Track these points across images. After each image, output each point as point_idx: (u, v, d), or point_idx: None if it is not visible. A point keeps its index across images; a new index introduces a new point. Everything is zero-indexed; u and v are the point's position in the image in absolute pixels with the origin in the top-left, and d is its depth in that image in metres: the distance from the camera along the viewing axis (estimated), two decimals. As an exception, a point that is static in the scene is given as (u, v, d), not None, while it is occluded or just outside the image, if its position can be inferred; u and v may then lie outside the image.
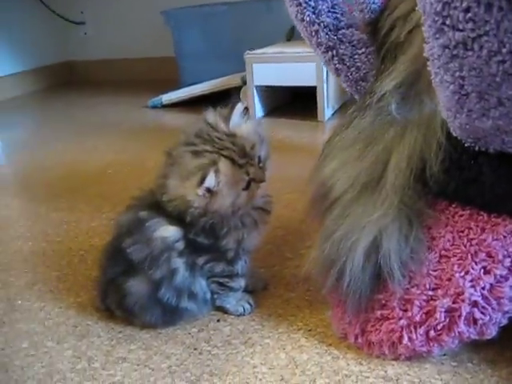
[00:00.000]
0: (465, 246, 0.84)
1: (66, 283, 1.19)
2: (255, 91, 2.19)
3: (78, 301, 1.12)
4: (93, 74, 3.59)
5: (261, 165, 0.94)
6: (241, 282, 1.02)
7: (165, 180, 0.94)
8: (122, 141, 2.19)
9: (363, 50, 1.01)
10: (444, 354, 0.87)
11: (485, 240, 0.82)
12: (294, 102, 2.48)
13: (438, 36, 0.67)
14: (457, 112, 0.75)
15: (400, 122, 0.90)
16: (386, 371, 0.85)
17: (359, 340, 0.89)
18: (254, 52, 2.14)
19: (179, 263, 0.95)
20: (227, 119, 0.92)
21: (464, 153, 0.85)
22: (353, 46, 1.01)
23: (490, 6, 0.62)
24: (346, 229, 0.89)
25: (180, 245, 0.95)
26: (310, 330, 0.96)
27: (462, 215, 0.87)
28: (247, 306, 1.03)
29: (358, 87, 1.03)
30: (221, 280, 0.99)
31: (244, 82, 2.22)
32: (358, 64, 1.02)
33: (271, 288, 1.10)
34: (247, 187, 0.92)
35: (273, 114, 2.32)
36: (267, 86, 2.19)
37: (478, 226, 0.85)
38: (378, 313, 0.87)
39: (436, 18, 0.66)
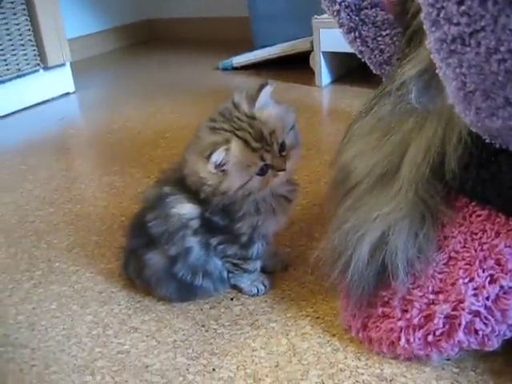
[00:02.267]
0: (475, 250, 0.79)
1: (101, 249, 1.23)
2: (322, 57, 2.12)
3: (108, 267, 1.16)
4: (171, 33, 3.59)
5: (283, 153, 0.90)
6: (256, 265, 1.01)
7: (185, 154, 0.95)
8: (186, 104, 2.20)
9: (388, 31, 0.94)
10: (448, 359, 0.83)
11: (497, 246, 0.77)
12: (363, 70, 2.39)
13: (433, 29, 0.62)
14: (465, 109, 0.69)
15: (420, 112, 0.84)
16: (382, 370, 0.83)
17: (360, 335, 0.87)
18: (321, 17, 2.06)
19: (193, 242, 0.96)
20: (252, 100, 0.90)
21: (484, 149, 0.78)
22: (376, 27, 0.95)
23: (484, 0, 0.56)
24: (356, 221, 0.86)
25: (195, 223, 0.95)
26: (317, 318, 0.95)
27: (479, 215, 0.82)
28: (261, 287, 1.02)
29: (383, 70, 0.97)
30: (234, 261, 0.99)
31: (312, 48, 2.15)
32: (382, 46, 0.95)
33: (291, 269, 1.09)
34: (262, 173, 0.89)
35: (340, 81, 2.24)
36: (335, 52, 2.12)
37: (493, 229, 0.79)
38: (380, 310, 0.84)
39: (430, 10, 0.61)
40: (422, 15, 0.63)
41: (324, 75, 2.17)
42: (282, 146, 0.90)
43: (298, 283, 1.05)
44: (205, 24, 3.42)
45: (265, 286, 1.02)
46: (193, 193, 0.94)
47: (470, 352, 0.81)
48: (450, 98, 0.70)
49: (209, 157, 0.85)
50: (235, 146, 0.87)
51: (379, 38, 0.96)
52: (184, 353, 0.90)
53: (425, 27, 0.64)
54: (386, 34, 0.95)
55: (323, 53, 2.11)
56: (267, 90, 0.90)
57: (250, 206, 0.93)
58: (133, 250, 1.04)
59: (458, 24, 0.60)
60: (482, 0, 0.56)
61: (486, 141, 0.76)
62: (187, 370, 0.87)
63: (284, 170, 0.90)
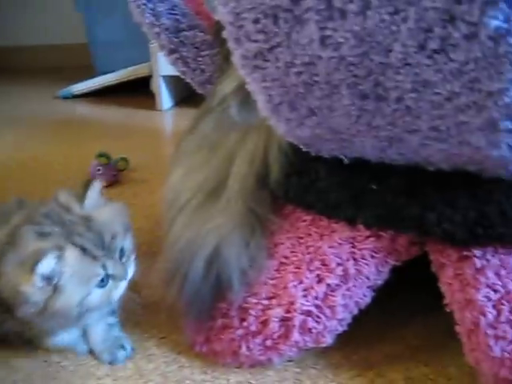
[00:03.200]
0: (302, 254, 0.83)
1: None
2: (162, 81, 2.15)
3: None
4: (6, 62, 3.44)
5: (123, 259, 0.81)
6: None
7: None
8: (28, 136, 2.12)
9: (207, 51, 0.99)
10: (290, 361, 0.86)
11: (321, 247, 0.82)
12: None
13: (236, 46, 0.65)
14: (276, 120, 0.74)
15: (242, 126, 0.88)
16: (228, 380, 0.84)
17: (204, 349, 0.88)
18: (159, 41, 2.08)
19: None
20: (82, 199, 0.79)
21: (302, 158, 0.84)
22: (196, 48, 0.99)
23: (276, 18, 0.60)
24: (190, 237, 0.87)
25: None
26: (162, 338, 0.95)
27: (304, 220, 0.86)
28: None
29: (205, 89, 1.01)
30: None
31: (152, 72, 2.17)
32: (203, 66, 0.99)
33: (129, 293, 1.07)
34: (103, 285, 0.78)
35: (182, 105, 2.28)
36: (174, 76, 2.14)
37: (317, 232, 0.84)
38: (220, 322, 0.85)
39: (231, 29, 0.64)
40: (225, 33, 0.66)
41: (165, 99, 2.19)
42: (122, 251, 0.80)
43: (141, 306, 1.03)
44: (42, 52, 3.31)
45: None
46: None
47: (309, 351, 0.85)
48: (262, 111, 0.73)
49: (34, 267, 0.71)
50: (71, 254, 0.74)
51: (199, 59, 0.99)
52: (27, 391, 0.87)
53: (229, 44, 0.67)
54: (206, 55, 0.99)
55: (163, 77, 2.13)
56: (96, 187, 0.80)
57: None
58: None
59: (256, 41, 0.63)
60: (274, 19, 0.60)
61: (303, 150, 0.81)
62: (30, 408, 0.83)
63: (126, 279, 0.81)
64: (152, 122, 2.14)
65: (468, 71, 0.56)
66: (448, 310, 0.78)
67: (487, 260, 0.75)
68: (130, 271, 0.82)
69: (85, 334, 0.89)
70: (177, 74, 2.05)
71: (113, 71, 2.43)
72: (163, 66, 2.09)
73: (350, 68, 0.61)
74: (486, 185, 0.74)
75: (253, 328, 0.81)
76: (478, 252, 0.76)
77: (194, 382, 0.85)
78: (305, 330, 0.79)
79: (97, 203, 0.79)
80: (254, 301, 0.82)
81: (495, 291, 0.73)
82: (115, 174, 1.50)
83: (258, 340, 0.81)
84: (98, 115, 2.33)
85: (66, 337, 0.87)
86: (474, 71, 0.56)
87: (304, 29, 0.59)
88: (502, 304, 0.72)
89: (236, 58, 0.67)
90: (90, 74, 2.68)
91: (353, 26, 0.57)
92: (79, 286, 0.75)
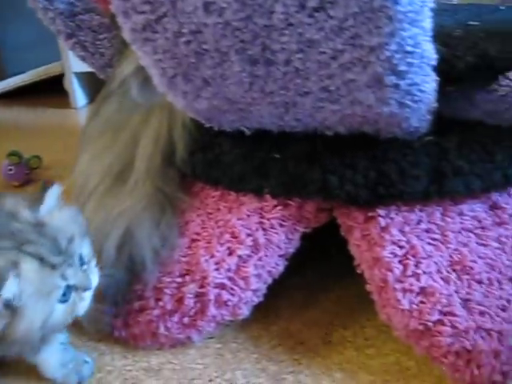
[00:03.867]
0: (212, 229, 0.83)
1: None
2: (75, 78, 2.10)
3: None
4: None
5: (84, 267, 0.70)
6: None
7: None
8: None
9: (105, 35, 0.97)
10: (211, 337, 0.86)
11: (230, 220, 0.82)
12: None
13: (125, 20, 0.65)
14: (174, 95, 0.73)
15: (144, 106, 0.87)
16: (149, 362, 0.84)
17: (123, 333, 0.87)
18: (69, 38, 2.04)
19: None
20: (34, 205, 0.68)
21: (206, 133, 0.84)
22: (94, 31, 0.97)
23: (160, -14, 0.60)
24: (100, 222, 0.86)
25: None
26: (82, 327, 0.93)
27: (213, 196, 0.87)
28: None
29: (107, 73, 0.99)
30: None
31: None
32: (102, 50, 0.98)
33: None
34: (66, 298, 0.67)
35: (97, 101, 2.25)
36: (87, 72, 2.10)
37: (226, 206, 0.85)
38: (137, 304, 0.84)
39: (118, 2, 0.63)
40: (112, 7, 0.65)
41: (79, 97, 2.14)
42: (82, 259, 0.70)
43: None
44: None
45: None
46: None
47: (229, 326, 0.86)
48: (158, 86, 0.73)
49: None
50: (27, 267, 0.63)
51: (98, 42, 0.98)
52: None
53: (118, 20, 0.66)
54: (104, 38, 0.97)
55: (75, 74, 2.09)
56: (54, 190, 0.70)
57: None
58: None
59: (143, 12, 0.63)
60: (158, -13, 0.60)
61: (206, 125, 0.82)
62: None
63: (91, 288, 0.71)
64: (66, 120, 2.09)
65: (348, 27, 0.58)
66: (359, 272, 0.80)
67: (391, 218, 0.78)
68: (94, 279, 0.72)
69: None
70: (89, 70, 2.06)
71: (23, 72, 2.36)
72: (75, 63, 2.04)
73: (236, 33, 0.61)
74: (382, 145, 0.76)
75: (169, 307, 0.81)
76: (381, 212, 0.78)
77: (115, 367, 0.83)
78: (220, 303, 0.80)
79: (52, 207, 0.69)
80: (168, 279, 0.82)
81: (400, 247, 0.76)
82: (28, 173, 1.46)
83: (175, 318, 0.81)
84: (11, 116, 2.27)
85: None
86: (353, 27, 0.58)
87: (188, -4, 0.59)
88: (408, 259, 0.75)
89: (126, 33, 0.66)
90: (1, 76, 2.59)
91: (233, -10, 0.57)
92: (40, 303, 0.64)
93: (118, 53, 0.94)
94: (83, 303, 0.70)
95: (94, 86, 2.19)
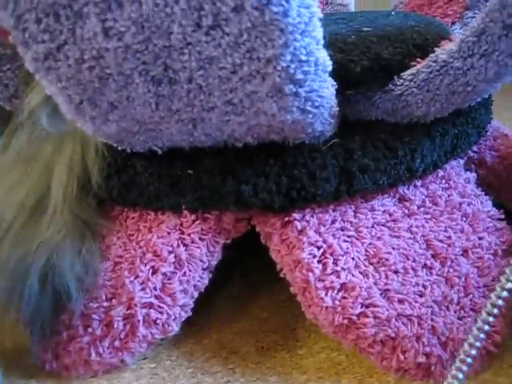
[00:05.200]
0: (134, 250, 0.84)
1: None
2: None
3: None
4: None
5: None
6: None
7: None
8: None
9: (8, 66, 0.97)
10: (144, 358, 0.87)
11: (150, 240, 0.83)
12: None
13: (25, 50, 0.65)
14: (82, 121, 0.74)
15: (56, 135, 0.87)
16: (83, 391, 0.83)
17: (54, 365, 0.85)
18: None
19: None
20: None
21: (118, 156, 0.85)
22: (-5, 63, 0.97)
23: (58, 16, 0.61)
24: (19, 256, 0.85)
25: None
26: (9, 365, 0.91)
27: (132, 218, 0.88)
28: None
29: (13, 105, 0.99)
30: None
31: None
32: (6, 81, 0.97)
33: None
34: None
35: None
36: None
37: (146, 226, 0.85)
38: (65, 334, 0.84)
39: (16, 33, 0.64)
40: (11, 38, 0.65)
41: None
42: None
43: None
44: None
45: None
46: None
47: (163, 345, 0.87)
48: (66, 114, 0.74)
49: None
50: None
51: (1, 74, 0.96)
52: None
53: (18, 50, 0.66)
54: (7, 69, 0.96)
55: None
56: None
57: None
58: None
59: (43, 41, 0.63)
60: (56, 16, 0.61)
61: (118, 148, 0.83)
62: None
63: None
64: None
65: (244, 42, 0.61)
66: (282, 276, 0.83)
67: (307, 221, 0.81)
68: None
69: None
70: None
71: None
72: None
73: (137, 56, 0.63)
74: (291, 151, 0.80)
75: (98, 332, 0.81)
76: (297, 215, 0.81)
77: (48, 401, 0.82)
78: (149, 322, 0.80)
79: None
80: (95, 305, 0.82)
81: (318, 248, 0.79)
82: None
83: (106, 343, 0.81)
84: None
85: None
86: (248, 41, 0.61)
87: (86, 23, 0.60)
88: (326, 258, 0.78)
89: (28, 63, 0.66)
90: None
91: (131, 14, 0.59)
92: None
93: (23, 83, 0.93)
94: None
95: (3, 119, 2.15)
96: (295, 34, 0.61)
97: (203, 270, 0.83)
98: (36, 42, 0.64)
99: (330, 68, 0.69)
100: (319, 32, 0.64)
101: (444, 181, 0.91)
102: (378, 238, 0.82)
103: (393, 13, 1.12)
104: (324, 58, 0.67)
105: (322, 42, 0.65)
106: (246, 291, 0.99)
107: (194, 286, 0.82)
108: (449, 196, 0.89)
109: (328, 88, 0.71)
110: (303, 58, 0.63)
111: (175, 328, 0.82)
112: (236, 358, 0.85)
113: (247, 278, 1.01)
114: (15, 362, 0.91)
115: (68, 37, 0.62)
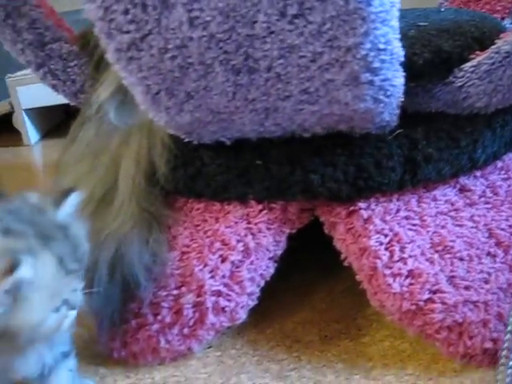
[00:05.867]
0: (202, 239, 0.85)
1: None
2: (25, 115, 2.09)
3: None
4: None
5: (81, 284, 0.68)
6: None
7: None
8: None
9: (75, 62, 0.99)
10: (209, 347, 0.88)
11: (218, 229, 0.85)
12: (69, 120, 2.41)
13: (109, 41, 0.67)
14: (156, 111, 0.76)
15: (123, 129, 0.89)
16: (153, 378, 0.84)
17: (123, 353, 0.87)
18: (15, 74, 2.04)
19: None
20: (58, 205, 0.66)
21: (185, 148, 0.87)
22: (63, 59, 0.99)
23: (145, 6, 0.63)
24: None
25: None
26: (76, 354, 0.92)
27: (197, 209, 0.89)
28: None
29: (79, 100, 1.01)
30: None
31: (13, 108, 2.11)
32: (73, 77, 1.00)
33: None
34: (57, 309, 0.63)
35: (49, 136, 2.23)
36: (38, 108, 2.10)
37: (212, 216, 0.87)
38: (134, 322, 0.85)
39: (102, 24, 0.66)
40: (96, 30, 0.67)
41: (31, 133, 2.13)
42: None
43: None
44: None
45: None
46: None
47: (227, 335, 0.88)
48: (141, 104, 0.76)
49: (12, 268, 0.57)
50: (46, 261, 0.61)
51: (69, 70, 0.99)
52: None
53: (102, 41, 0.69)
54: (74, 65, 0.99)
55: (26, 110, 2.08)
56: (75, 196, 0.67)
57: None
58: None
59: (128, 32, 0.66)
60: (143, 7, 0.63)
61: (185, 140, 0.84)
62: None
63: (76, 308, 0.67)
64: (20, 157, 2.07)
65: (326, 30, 0.62)
66: (346, 264, 0.84)
67: (372, 210, 0.82)
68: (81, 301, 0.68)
69: None
70: (40, 105, 2.05)
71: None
72: (25, 100, 2.04)
73: (220, 45, 0.65)
74: (358, 141, 0.81)
75: (168, 320, 0.82)
76: (362, 204, 0.82)
77: (119, 388, 0.84)
78: (218, 310, 0.81)
79: (69, 214, 0.66)
80: (164, 293, 0.84)
81: (385, 235, 0.80)
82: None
83: (175, 330, 0.82)
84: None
85: None
86: (331, 30, 0.62)
87: (172, 13, 0.62)
88: (393, 245, 0.79)
89: (110, 53, 0.69)
90: None
91: (218, 4, 0.61)
92: (43, 302, 0.61)
93: (90, 79, 0.95)
94: (67, 321, 0.66)
95: (44, 121, 2.19)
96: (376, 22, 0.62)
97: (269, 259, 0.84)
98: (121, 33, 0.66)
99: (402, 58, 0.70)
100: (396, 22, 0.66)
101: (503, 171, 0.92)
102: (442, 227, 0.83)
103: (442, 9, 1.13)
104: (398, 47, 0.69)
105: (398, 31, 0.67)
106: (303, 283, 1.01)
107: (261, 274, 0.84)
108: (509, 186, 0.90)
109: (399, 77, 0.73)
110: (381, 46, 0.65)
111: (243, 316, 0.83)
112: (300, 347, 0.86)
113: (304, 269, 1.02)
114: (82, 351, 0.93)
115: (153, 27, 0.64)
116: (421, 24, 0.93)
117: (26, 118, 2.10)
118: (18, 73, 2.05)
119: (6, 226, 0.60)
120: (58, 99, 1.99)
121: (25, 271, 0.58)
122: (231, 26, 0.63)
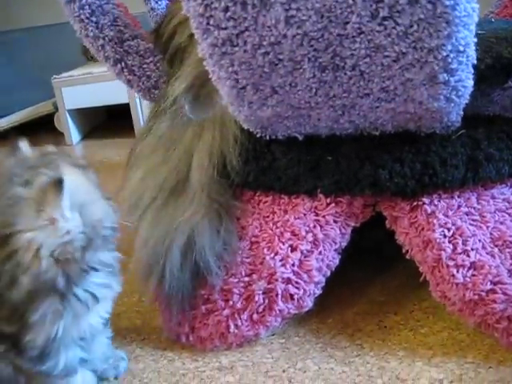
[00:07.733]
0: (271, 230, 0.90)
1: None
2: (68, 116, 2.15)
3: None
4: None
5: None
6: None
7: None
8: None
9: (151, 58, 1.04)
10: (273, 334, 0.92)
11: (288, 220, 0.89)
12: (110, 122, 2.47)
13: (205, 36, 0.72)
14: (239, 105, 0.80)
15: (196, 122, 0.94)
16: (220, 362, 0.88)
17: (191, 338, 0.91)
18: (61, 76, 2.10)
19: None
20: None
21: (257, 143, 0.91)
22: (140, 56, 1.04)
23: (245, 4, 0.68)
24: (160, 233, 0.91)
25: None
26: (143, 340, 0.97)
27: (266, 202, 0.93)
28: None
29: (152, 95, 1.06)
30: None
31: (56, 108, 2.16)
32: (148, 73, 1.05)
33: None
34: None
35: (90, 137, 2.29)
36: (80, 109, 2.16)
37: (280, 209, 0.91)
38: (203, 308, 0.89)
39: (200, 20, 0.71)
40: (192, 26, 0.72)
41: (73, 133, 2.18)
42: None
43: (115, 312, 1.04)
44: None
45: None
46: None
47: (290, 322, 0.92)
48: (225, 98, 0.80)
49: (58, 191, 0.63)
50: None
51: (144, 66, 1.04)
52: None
53: (196, 36, 0.73)
54: (150, 61, 1.04)
55: (69, 111, 2.13)
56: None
57: (49, 306, 0.70)
58: None
59: (226, 28, 0.70)
60: (243, 5, 0.68)
61: (258, 135, 0.89)
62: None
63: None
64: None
65: (412, 32, 0.67)
66: (408, 257, 0.88)
67: (435, 205, 0.86)
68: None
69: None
70: (82, 106, 2.11)
71: (7, 115, 2.37)
72: (69, 101, 2.10)
73: (312, 43, 0.69)
74: (424, 139, 0.85)
75: (238, 305, 0.86)
76: (426, 199, 0.87)
77: (188, 370, 0.87)
78: (287, 297, 0.85)
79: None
80: (235, 280, 0.88)
81: (448, 229, 0.84)
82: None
83: (245, 316, 0.86)
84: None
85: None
86: (417, 32, 0.67)
87: (270, 11, 0.67)
88: (456, 238, 0.83)
89: (203, 49, 0.73)
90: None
91: (314, 4, 0.66)
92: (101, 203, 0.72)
93: (165, 74, 1.00)
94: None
95: (86, 122, 2.24)
96: (459, 26, 0.67)
97: (335, 250, 0.89)
98: (218, 29, 0.70)
99: (474, 61, 0.75)
100: (474, 26, 0.70)
101: (557, 173, 0.95)
102: (501, 223, 0.87)
103: (493, 19, 1.18)
104: (473, 50, 0.73)
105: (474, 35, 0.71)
106: (359, 276, 1.04)
107: (327, 265, 0.88)
108: (562, 187, 0.94)
109: (470, 79, 0.77)
110: (461, 48, 0.69)
111: (309, 304, 0.87)
112: (362, 335, 0.90)
113: (359, 263, 1.06)
114: (148, 335, 0.98)
115: (250, 24, 0.69)
116: (479, 32, 0.97)
117: (69, 119, 2.15)
118: (64, 74, 2.11)
119: (25, 179, 0.66)
120: (101, 101, 2.09)
121: (70, 181, 0.64)
122: (324, 26, 0.67)
